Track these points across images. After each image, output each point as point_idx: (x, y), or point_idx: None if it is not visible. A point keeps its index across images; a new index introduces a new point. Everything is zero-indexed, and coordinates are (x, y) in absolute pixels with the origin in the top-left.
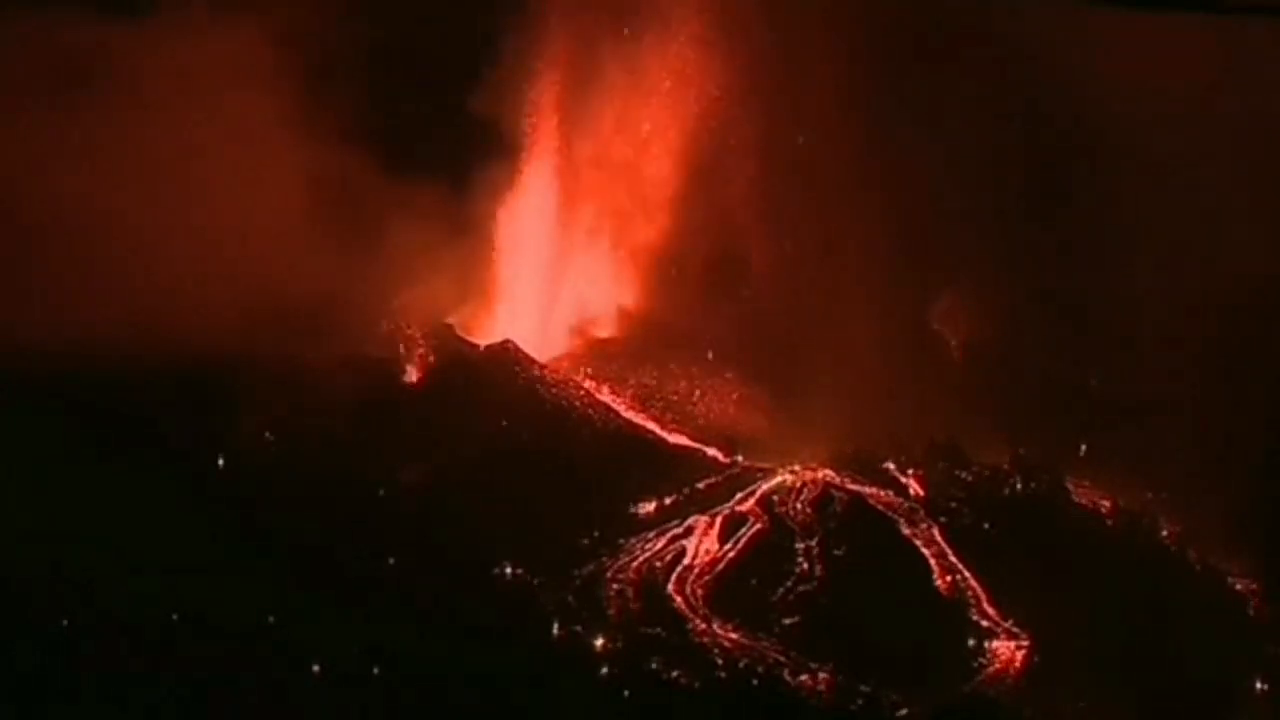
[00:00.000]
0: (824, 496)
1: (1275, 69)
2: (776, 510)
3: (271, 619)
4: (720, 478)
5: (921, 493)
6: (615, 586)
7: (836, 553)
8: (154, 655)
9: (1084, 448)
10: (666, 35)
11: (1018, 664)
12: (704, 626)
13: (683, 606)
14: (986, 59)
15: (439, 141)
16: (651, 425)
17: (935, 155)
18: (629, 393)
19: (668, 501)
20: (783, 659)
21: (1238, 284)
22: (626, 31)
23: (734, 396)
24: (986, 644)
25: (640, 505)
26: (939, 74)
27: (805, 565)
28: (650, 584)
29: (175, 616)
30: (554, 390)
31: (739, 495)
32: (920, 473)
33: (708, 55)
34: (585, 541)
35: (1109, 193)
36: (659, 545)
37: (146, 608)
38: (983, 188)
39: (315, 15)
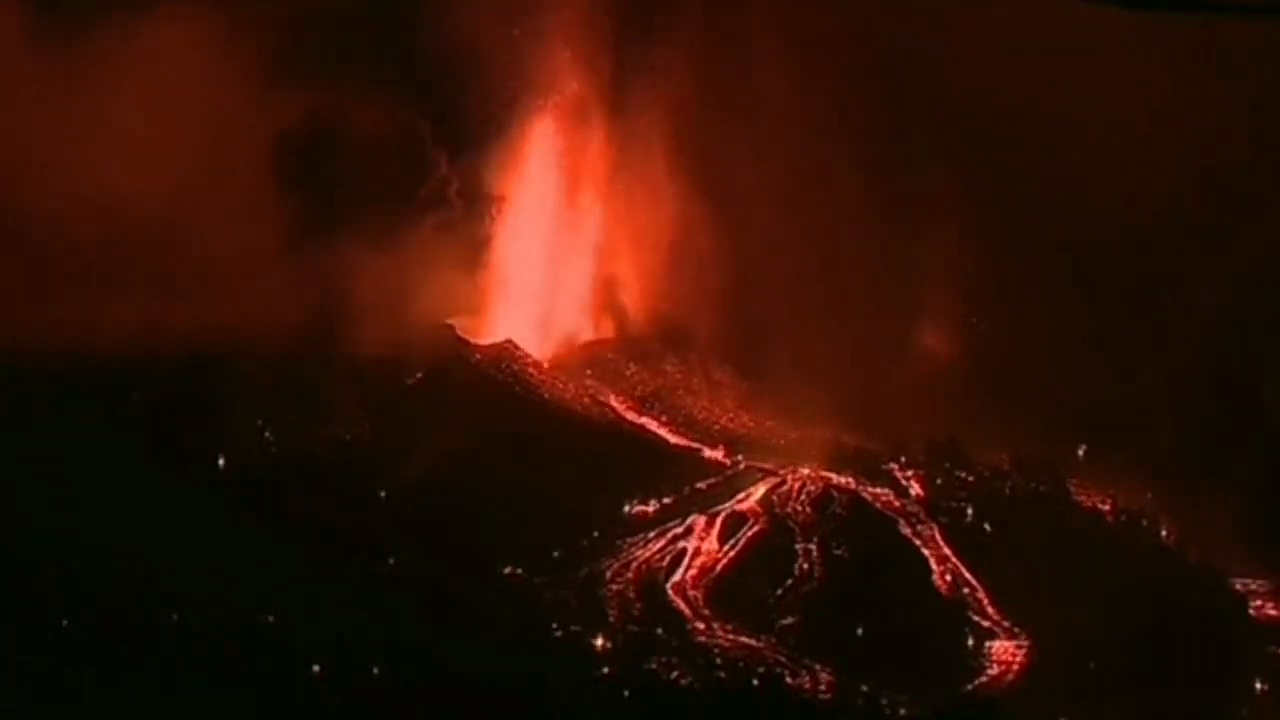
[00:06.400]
0: (824, 496)
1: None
2: (776, 510)
3: (271, 619)
4: (720, 478)
5: (921, 493)
6: (615, 586)
7: (836, 553)
8: (154, 654)
9: (1083, 449)
10: (667, 42)
11: (1018, 664)
12: (704, 626)
13: (682, 606)
14: (980, 68)
15: (439, 143)
16: (651, 425)
17: (935, 160)
18: (629, 393)
19: (668, 501)
20: (783, 659)
21: (1238, 285)
22: (626, 37)
23: (734, 396)
24: (986, 644)
25: (640, 505)
26: (936, 87)
27: (805, 565)
28: (650, 584)
29: (175, 616)
30: (554, 390)
31: (739, 495)
32: (920, 473)
33: (711, 62)
34: (585, 541)
35: (1107, 195)
36: (659, 545)
37: (147, 607)
38: (984, 192)
39: (318, 16)
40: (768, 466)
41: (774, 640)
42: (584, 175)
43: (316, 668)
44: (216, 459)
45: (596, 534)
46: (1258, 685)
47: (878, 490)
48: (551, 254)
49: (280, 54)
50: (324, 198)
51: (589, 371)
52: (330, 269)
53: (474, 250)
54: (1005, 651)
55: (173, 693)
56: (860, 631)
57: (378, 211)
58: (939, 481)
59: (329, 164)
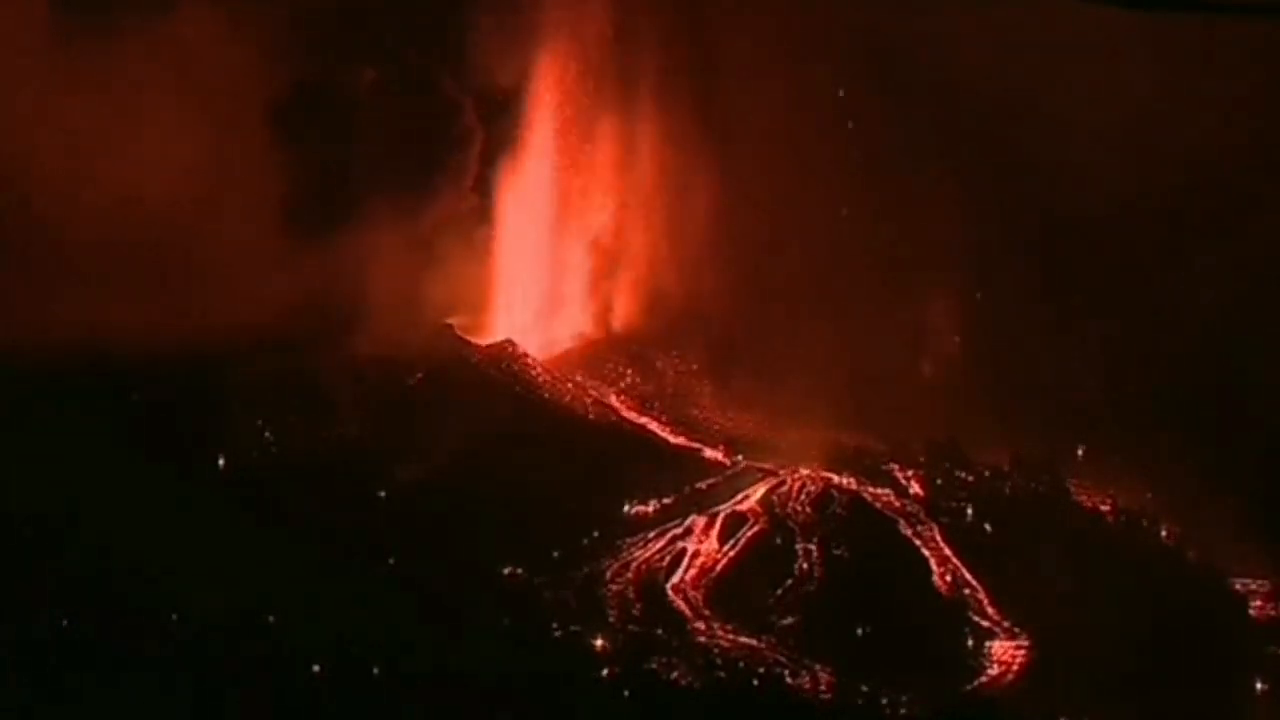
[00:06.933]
0: (824, 496)
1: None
2: (776, 510)
3: (271, 619)
4: (720, 478)
5: (921, 493)
6: (615, 586)
7: (836, 553)
8: (154, 654)
9: (1083, 449)
10: (665, 40)
11: (1018, 664)
12: (704, 626)
13: (683, 606)
14: (981, 68)
15: (439, 142)
16: (651, 425)
17: (937, 160)
18: (629, 393)
19: (668, 501)
20: (783, 659)
21: (1238, 284)
22: (625, 36)
23: (734, 396)
24: (986, 644)
25: (640, 505)
26: (938, 87)
27: (805, 565)
28: (650, 584)
29: (175, 616)
30: (554, 390)
31: (739, 495)
32: (920, 473)
33: (707, 61)
34: (585, 541)
35: (1108, 195)
36: (659, 545)
37: (146, 607)
38: (985, 192)
39: (314, 14)
40: (768, 466)
41: (774, 640)
42: (585, 175)
43: (316, 668)
44: (216, 459)
45: (596, 534)
46: (1258, 685)
47: (878, 490)
48: (552, 253)
49: (282, 53)
50: (326, 197)
51: (589, 371)
52: (334, 269)
53: (477, 248)
54: (1005, 651)
55: (173, 693)
56: (860, 631)
57: (381, 209)
58: (939, 481)
59: (331, 162)
